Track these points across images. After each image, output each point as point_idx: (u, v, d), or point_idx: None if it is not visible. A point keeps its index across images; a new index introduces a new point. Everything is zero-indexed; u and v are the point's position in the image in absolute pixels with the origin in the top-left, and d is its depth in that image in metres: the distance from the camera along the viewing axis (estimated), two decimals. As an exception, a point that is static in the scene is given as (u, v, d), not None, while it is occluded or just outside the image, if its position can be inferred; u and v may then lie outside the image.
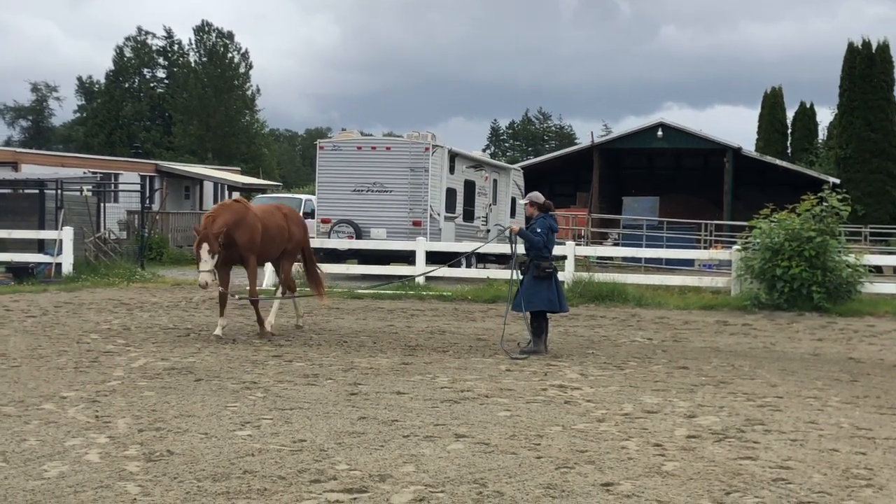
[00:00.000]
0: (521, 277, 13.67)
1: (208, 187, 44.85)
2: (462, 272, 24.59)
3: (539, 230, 13.30)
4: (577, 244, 27.59)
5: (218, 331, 14.04)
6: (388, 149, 26.46)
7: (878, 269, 24.79)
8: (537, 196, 13.91)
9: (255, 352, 12.88)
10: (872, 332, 16.60)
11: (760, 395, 10.27)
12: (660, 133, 43.54)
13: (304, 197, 36.37)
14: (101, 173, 37.23)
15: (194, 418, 8.53)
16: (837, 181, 43.49)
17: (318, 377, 10.87)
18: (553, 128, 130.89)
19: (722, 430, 8.44)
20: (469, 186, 28.33)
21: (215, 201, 44.07)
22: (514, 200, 32.49)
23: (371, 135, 32.09)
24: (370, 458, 7.25)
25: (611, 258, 30.17)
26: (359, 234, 25.80)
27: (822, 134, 63.44)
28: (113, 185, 36.70)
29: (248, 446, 7.56)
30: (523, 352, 13.05)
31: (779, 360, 13.25)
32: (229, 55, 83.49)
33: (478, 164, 29.52)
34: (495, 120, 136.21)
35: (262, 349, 13.15)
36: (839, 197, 20.08)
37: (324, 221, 26.45)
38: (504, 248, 28.49)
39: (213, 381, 10.47)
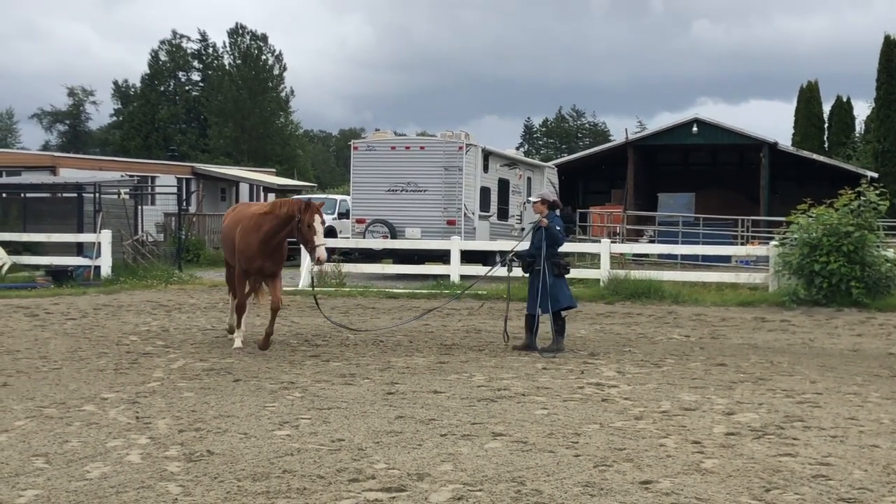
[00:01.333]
0: (512, 274, 13.83)
1: (244, 189, 45.11)
2: (498, 270, 24.54)
3: (559, 228, 13.27)
4: (612, 241, 27.55)
5: (238, 343, 13.33)
6: (421, 148, 26.52)
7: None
8: (549, 194, 13.87)
9: (293, 352, 12.95)
10: (913, 327, 16.43)
11: (799, 392, 10.20)
12: (695, 129, 43.26)
13: (338, 197, 36.50)
14: (137, 176, 37.55)
15: (233, 418, 8.60)
16: (875, 175, 43.03)
17: (354, 377, 10.92)
18: (587, 125, 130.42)
19: (761, 426, 8.40)
20: (503, 185, 28.32)
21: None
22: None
23: (405, 135, 32.20)
24: (408, 456, 7.27)
25: (647, 255, 30.03)
26: (393, 233, 25.86)
27: (859, 128, 62.95)
28: (150, 188, 37.02)
29: (287, 446, 7.61)
30: (546, 351, 12.99)
31: (818, 356, 13.14)
32: (263, 57, 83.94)
33: (512, 163, 29.52)
34: (529, 118, 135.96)
35: (298, 349, 13.21)
36: (877, 191, 19.89)
37: (358, 221, 26.54)
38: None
39: (251, 382, 10.54)
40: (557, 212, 13.57)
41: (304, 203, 12.87)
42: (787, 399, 9.78)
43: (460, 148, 25.74)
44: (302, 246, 13.84)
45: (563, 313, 13.46)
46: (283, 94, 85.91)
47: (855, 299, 18.53)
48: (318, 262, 12.67)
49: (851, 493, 6.42)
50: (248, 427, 8.27)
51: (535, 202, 13.83)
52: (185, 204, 34.90)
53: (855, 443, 7.84)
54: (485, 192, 26.95)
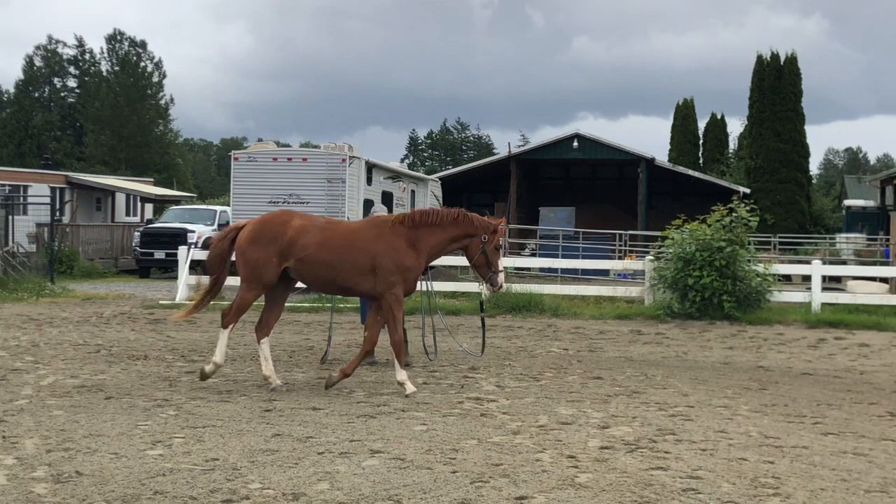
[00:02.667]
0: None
1: (120, 199, 44.08)
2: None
3: None
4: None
5: (411, 388, 10.98)
6: (304, 160, 26.36)
7: (787, 278, 25.32)
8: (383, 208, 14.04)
9: (168, 368, 12.70)
10: (781, 340, 16.96)
11: (672, 405, 10.42)
12: (575, 144, 44.02)
13: (218, 208, 36.01)
14: (9, 185, 36.40)
15: (104, 438, 8.38)
16: (748, 191, 44.41)
17: (231, 394, 10.76)
18: (471, 137, 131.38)
19: (634, 440, 8.55)
20: (387, 197, 28.33)
21: (127, 213, 43.44)
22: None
23: (289, 145, 31.92)
24: (284, 476, 7.19)
25: (528, 268, 30.36)
26: (275, 246, 25.57)
27: (732, 144, 64.76)
28: (22, 198, 35.88)
29: (159, 466, 7.45)
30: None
31: (690, 368, 13.46)
32: (142, 64, 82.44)
33: (395, 175, 29.55)
34: (414, 130, 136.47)
35: (174, 365, 12.96)
36: (748, 207, 20.49)
37: (239, 234, 26.16)
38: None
39: (123, 399, 10.29)
40: None
41: (487, 219, 11.71)
42: (660, 412, 9.98)
43: (343, 160, 25.66)
44: (474, 268, 11.89)
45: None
46: (162, 101, 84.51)
47: (727, 313, 19.04)
48: (498, 289, 11.95)
49: (719, 505, 6.59)
50: (119, 447, 8.07)
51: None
52: (58, 214, 33.93)
53: (724, 456, 8.03)
54: (368, 204, 26.86)
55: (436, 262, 25.38)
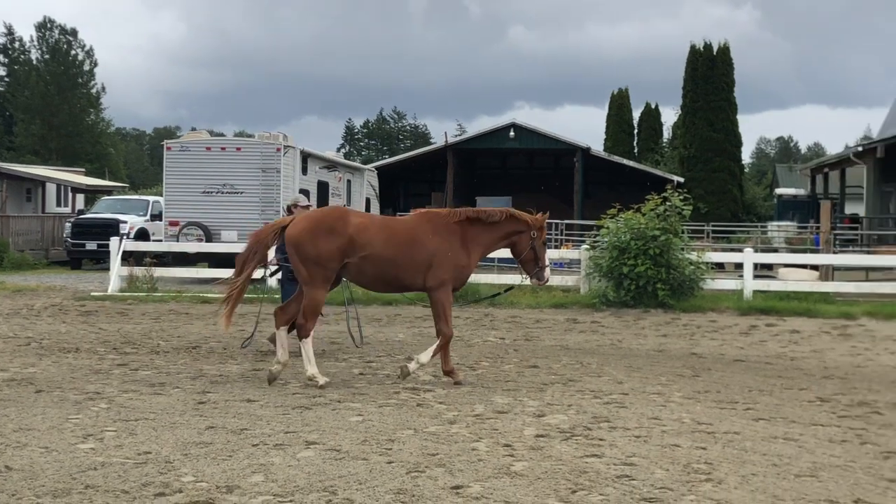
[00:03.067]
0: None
1: (51, 189, 43.30)
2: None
3: None
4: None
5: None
6: (238, 149, 26.12)
7: (720, 266, 25.66)
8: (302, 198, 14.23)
9: (100, 360, 12.50)
10: (714, 327, 17.19)
11: (607, 392, 10.51)
12: (512, 133, 44.17)
13: (151, 199, 35.56)
14: (-65, 175, 35.60)
15: (34, 432, 8.22)
16: (682, 180, 44.94)
17: (164, 386, 10.62)
18: (408, 127, 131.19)
19: (569, 428, 8.60)
20: (322, 187, 28.18)
21: (59, 204, 42.71)
22: (368, 201, 32.51)
23: (223, 135, 31.63)
24: (217, 468, 7.11)
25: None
26: (209, 236, 25.37)
27: (667, 134, 65.47)
28: (-51, 188, 35.13)
29: (91, 460, 7.33)
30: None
31: (625, 356, 13.58)
32: (73, 52, 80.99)
33: (331, 165, 29.40)
34: (350, 119, 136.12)
35: (106, 358, 12.76)
36: (681, 196, 20.71)
37: (172, 224, 25.92)
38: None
39: (54, 393, 10.11)
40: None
41: (535, 216, 11.79)
42: (595, 400, 10.06)
43: (278, 149, 25.48)
44: (520, 264, 12.09)
45: None
46: (93, 90, 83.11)
47: (661, 301, 19.24)
48: (545, 283, 12.33)
49: (653, 492, 6.64)
50: (50, 441, 7.92)
51: (303, 207, 13.68)
52: (-13, 205, 33.27)
53: (658, 442, 8.11)
54: (304, 194, 26.71)
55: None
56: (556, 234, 35.18)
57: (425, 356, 11.19)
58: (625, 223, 20.12)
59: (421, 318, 17.85)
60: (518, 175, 51.97)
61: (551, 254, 28.16)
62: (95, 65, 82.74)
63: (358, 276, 11.34)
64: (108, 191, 45.81)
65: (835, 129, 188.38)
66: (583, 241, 27.97)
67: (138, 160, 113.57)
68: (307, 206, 13.91)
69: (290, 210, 13.64)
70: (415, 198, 51.03)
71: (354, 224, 11.04)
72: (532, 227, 11.68)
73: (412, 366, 11.20)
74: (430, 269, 11.14)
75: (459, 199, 45.03)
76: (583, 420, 8.97)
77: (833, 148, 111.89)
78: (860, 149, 39.42)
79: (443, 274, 11.16)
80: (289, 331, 11.29)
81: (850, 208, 46.09)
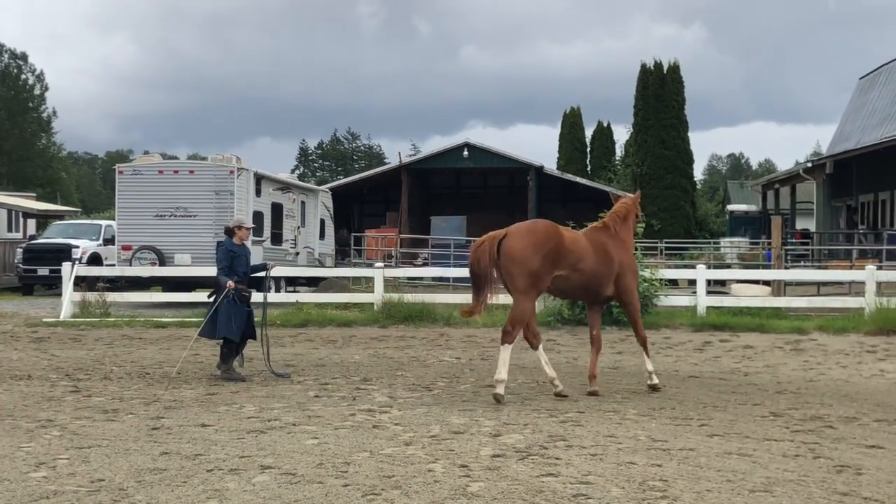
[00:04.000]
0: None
1: (1, 215, 42.71)
2: (271, 296, 24.34)
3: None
4: (386, 265, 27.79)
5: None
6: (191, 172, 25.97)
7: (673, 283, 25.84)
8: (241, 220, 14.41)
9: (52, 387, 12.34)
10: (668, 343, 17.30)
11: (563, 411, 10.54)
12: (465, 153, 44.33)
13: (104, 223, 35.22)
14: None
15: (-16, 462, 8.10)
16: (635, 197, 45.16)
17: (118, 412, 10.51)
18: (362, 147, 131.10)
19: (526, 447, 8.61)
20: (276, 209, 28.07)
21: (9, 229, 42.12)
22: (323, 222, 32.41)
23: (176, 157, 31.44)
24: (172, 495, 7.04)
25: (420, 278, 30.39)
26: (162, 260, 25.16)
27: (619, 151, 66.00)
28: None
29: (43, 489, 7.23)
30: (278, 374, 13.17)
31: (580, 374, 13.63)
32: (23, 76, 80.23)
33: (285, 187, 29.31)
34: (304, 140, 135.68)
35: (59, 384, 12.60)
36: (634, 214, 20.81)
37: (125, 248, 25.68)
38: (314, 272, 28.41)
39: (6, 421, 9.97)
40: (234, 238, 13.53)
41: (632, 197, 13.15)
42: (551, 419, 10.08)
43: (231, 172, 25.35)
44: None
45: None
46: (44, 114, 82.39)
47: (615, 318, 19.31)
48: None
49: (609, 509, 6.67)
50: (1, 470, 7.80)
51: (246, 228, 13.81)
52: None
53: (613, 460, 8.14)
54: (257, 216, 26.61)
55: (329, 273, 25.22)
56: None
57: (650, 363, 12.34)
58: (579, 241, 20.17)
59: (376, 340, 17.83)
60: (473, 194, 52.09)
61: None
62: (46, 89, 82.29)
63: (563, 287, 12.02)
64: (60, 216, 45.28)
65: (785, 145, 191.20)
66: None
67: (91, 184, 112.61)
68: (251, 228, 13.97)
69: (231, 231, 13.55)
70: (369, 218, 51.01)
71: (568, 238, 11.71)
72: (636, 204, 13.02)
73: (653, 380, 12.13)
74: (619, 279, 12.06)
75: (414, 218, 45.12)
76: (539, 439, 8.99)
77: (783, 164, 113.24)
78: (810, 165, 39.98)
79: (630, 282, 12.26)
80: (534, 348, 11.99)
81: (801, 224, 46.73)
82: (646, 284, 20.11)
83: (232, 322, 13.04)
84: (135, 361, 15.02)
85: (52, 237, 33.88)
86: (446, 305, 21.47)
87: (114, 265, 26.90)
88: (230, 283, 13.03)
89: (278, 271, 24.58)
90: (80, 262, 28.02)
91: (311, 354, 15.93)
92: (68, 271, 22.67)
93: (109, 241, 31.06)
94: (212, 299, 13.43)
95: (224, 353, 13.14)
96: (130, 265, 25.07)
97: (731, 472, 7.78)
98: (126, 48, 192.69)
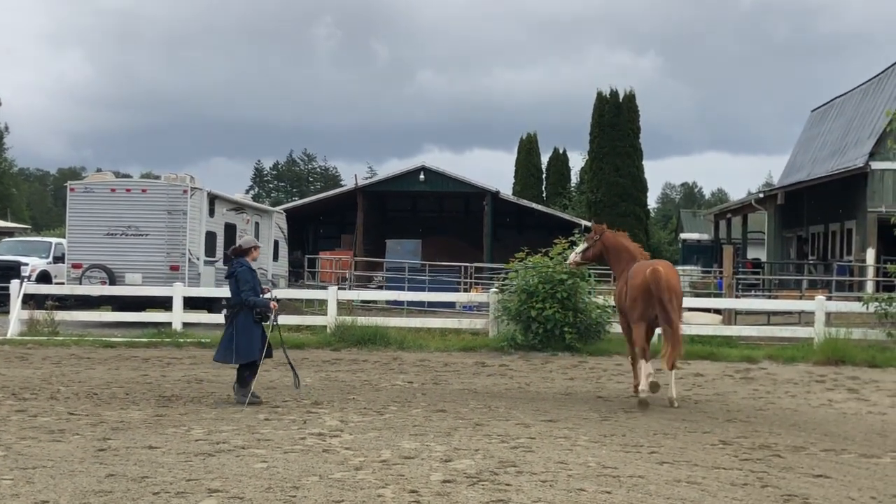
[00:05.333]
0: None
1: (-50, 230, 42.22)
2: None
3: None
4: (340, 287, 27.69)
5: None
6: (143, 191, 25.76)
7: (626, 309, 25.94)
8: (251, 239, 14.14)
9: (-4, 407, 12.13)
10: (620, 370, 17.35)
11: (514, 436, 10.52)
12: (422, 177, 44.39)
13: (54, 240, 34.77)
14: None
15: (-77, 483, 7.93)
16: (589, 224, 45.41)
17: (64, 433, 10.35)
18: (318, 169, 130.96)
19: (476, 473, 8.58)
20: (230, 229, 27.89)
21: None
22: (277, 244, 32.26)
23: (131, 176, 31.21)
24: (116, 518, 6.93)
25: (374, 301, 30.30)
26: (112, 279, 24.88)
27: (574, 178, 66.39)
28: None
29: (-16, 511, 7.09)
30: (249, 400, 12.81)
31: (533, 400, 13.64)
32: (-25, 90, 79.31)
33: (239, 207, 29.16)
34: (259, 161, 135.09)
35: (4, 404, 12.39)
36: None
37: (75, 267, 25.37)
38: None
39: (-54, 441, 9.78)
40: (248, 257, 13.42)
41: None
42: (503, 444, 10.06)
43: (185, 191, 25.17)
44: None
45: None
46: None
47: (568, 344, 19.40)
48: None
49: (558, 537, 6.65)
50: (-59, 492, 7.65)
51: (255, 248, 13.67)
52: None
53: (564, 487, 8.14)
54: (210, 236, 26.44)
55: (282, 295, 25.16)
56: (465, 278, 35.31)
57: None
58: (533, 266, 20.28)
59: (328, 363, 17.73)
60: (428, 218, 52.13)
61: (461, 297, 28.37)
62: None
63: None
64: (9, 232, 44.78)
65: (737, 175, 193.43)
66: (492, 285, 28.12)
67: (42, 201, 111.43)
68: (258, 247, 13.88)
69: (247, 251, 13.37)
70: (325, 240, 50.89)
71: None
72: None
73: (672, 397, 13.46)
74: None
75: (369, 241, 45.02)
76: (490, 465, 8.96)
77: (736, 194, 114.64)
78: (762, 195, 40.52)
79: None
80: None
81: (752, 253, 47.27)
82: (598, 311, 20.21)
83: (252, 344, 12.90)
84: (82, 381, 14.81)
85: (1, 254, 33.40)
86: (399, 329, 21.44)
87: (63, 283, 26.58)
88: (273, 304, 13.15)
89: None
90: (29, 280, 27.67)
91: (261, 377, 15.76)
92: (17, 289, 22.38)
93: (59, 258, 30.66)
94: (226, 320, 13.25)
95: (245, 378, 12.93)
96: (80, 283, 24.77)
97: (680, 499, 7.81)
98: (80, 66, 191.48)
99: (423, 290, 30.77)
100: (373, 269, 41.28)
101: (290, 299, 27.04)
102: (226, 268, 27.05)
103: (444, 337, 21.72)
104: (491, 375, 16.49)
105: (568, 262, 16.46)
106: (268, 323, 13.26)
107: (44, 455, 9.13)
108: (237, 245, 13.79)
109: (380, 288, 35.62)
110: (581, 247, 15.26)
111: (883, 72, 38.27)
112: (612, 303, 21.01)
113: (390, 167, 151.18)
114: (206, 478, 8.23)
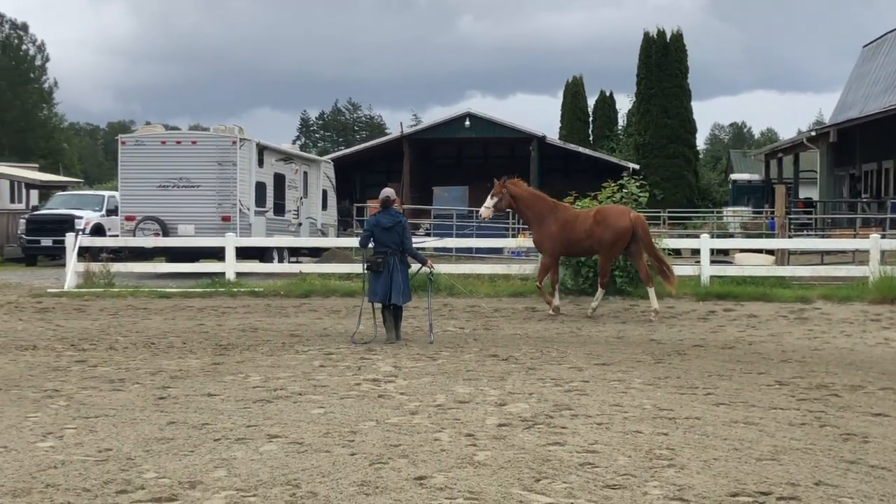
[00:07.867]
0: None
1: (4, 186, 42.71)
2: (274, 267, 24.45)
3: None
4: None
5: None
6: (193, 143, 25.92)
7: (676, 252, 25.80)
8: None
9: (58, 357, 12.37)
10: (672, 313, 17.31)
11: (568, 380, 10.54)
12: (467, 123, 44.23)
13: (107, 194, 35.18)
14: None
15: (-8, 432, 8.12)
16: (637, 167, 45.18)
17: (124, 382, 10.53)
18: (363, 118, 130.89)
19: (531, 416, 8.62)
20: (279, 180, 28.03)
21: (12, 200, 42.16)
22: (325, 193, 32.36)
23: (178, 128, 31.36)
24: (179, 464, 7.06)
25: (423, 248, 30.27)
26: (165, 231, 25.15)
27: (621, 121, 65.78)
28: None
29: (51, 458, 7.24)
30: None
31: (585, 344, 13.64)
32: (24, 47, 79.96)
33: (287, 157, 29.25)
34: (305, 111, 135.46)
35: (64, 354, 12.62)
36: (637, 183, 20.79)
37: (128, 219, 25.67)
38: (316, 241, 28.39)
39: (11, 391, 9.99)
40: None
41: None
42: (556, 388, 10.09)
43: (234, 142, 25.30)
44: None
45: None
46: (45, 85, 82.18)
47: (619, 288, 19.33)
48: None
49: (616, 479, 6.67)
50: (9, 440, 7.82)
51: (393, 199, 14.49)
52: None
53: (619, 429, 8.15)
54: (260, 187, 26.59)
55: (332, 244, 25.48)
56: (513, 224, 35.24)
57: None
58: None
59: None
60: (474, 164, 51.99)
61: (509, 242, 28.32)
62: (47, 59, 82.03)
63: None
64: (62, 186, 45.25)
65: (787, 114, 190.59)
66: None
67: (93, 155, 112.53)
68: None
69: (387, 203, 14.25)
70: (372, 188, 50.97)
71: None
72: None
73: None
74: None
75: (416, 189, 45.07)
76: (545, 408, 9.00)
77: (786, 133, 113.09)
78: (813, 133, 39.86)
79: None
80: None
81: (805, 192, 46.65)
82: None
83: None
84: (140, 331, 15.05)
85: (55, 208, 33.87)
86: (449, 275, 21.48)
87: (117, 236, 26.92)
88: (430, 262, 14.97)
89: (283, 241, 24.73)
90: (84, 233, 28.06)
91: (314, 324, 15.95)
92: (72, 242, 22.69)
93: (112, 211, 31.05)
94: (374, 265, 14.11)
95: (398, 319, 14.10)
96: (134, 236, 25.07)
97: (738, 440, 7.79)
98: (123, 20, 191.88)
99: (470, 236, 30.77)
100: (419, 217, 41.31)
101: (339, 248, 27.16)
102: (277, 218, 27.34)
103: (494, 283, 21.73)
104: (542, 320, 16.51)
105: (482, 215, 17.61)
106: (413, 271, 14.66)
107: (105, 404, 9.30)
108: (386, 197, 14.44)
109: (427, 235, 35.67)
110: (491, 201, 17.11)
111: (938, 4, 37.30)
112: (663, 245, 20.97)
113: (434, 114, 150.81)
114: (265, 424, 8.35)
